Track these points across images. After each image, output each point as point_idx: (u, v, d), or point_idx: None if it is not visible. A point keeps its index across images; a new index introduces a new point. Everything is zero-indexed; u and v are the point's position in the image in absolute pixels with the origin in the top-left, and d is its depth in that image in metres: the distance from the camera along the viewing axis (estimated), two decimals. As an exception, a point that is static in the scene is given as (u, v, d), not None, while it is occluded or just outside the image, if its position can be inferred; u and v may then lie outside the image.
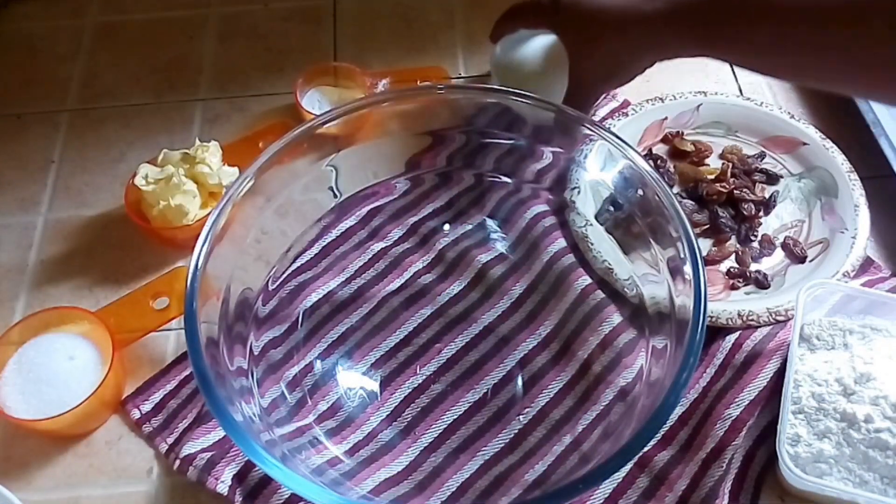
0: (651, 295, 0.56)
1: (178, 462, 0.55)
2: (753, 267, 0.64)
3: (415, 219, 0.67)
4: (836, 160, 0.67)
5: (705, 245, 0.65)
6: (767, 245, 0.65)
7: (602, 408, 0.56)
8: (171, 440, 0.57)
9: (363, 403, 0.58)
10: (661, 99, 0.71)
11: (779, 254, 0.65)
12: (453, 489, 0.55)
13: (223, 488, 0.54)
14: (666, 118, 0.71)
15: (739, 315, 0.59)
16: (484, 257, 0.64)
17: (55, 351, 0.58)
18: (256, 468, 0.54)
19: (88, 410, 0.56)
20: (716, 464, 0.54)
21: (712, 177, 0.68)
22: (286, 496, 0.54)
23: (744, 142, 0.71)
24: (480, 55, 0.80)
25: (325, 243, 0.65)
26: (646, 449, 0.54)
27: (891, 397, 0.53)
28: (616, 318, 0.59)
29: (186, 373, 0.60)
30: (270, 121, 0.75)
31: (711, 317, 0.59)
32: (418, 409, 0.58)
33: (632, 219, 0.57)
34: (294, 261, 0.63)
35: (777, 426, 0.53)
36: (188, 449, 0.55)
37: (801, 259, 0.64)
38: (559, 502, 0.45)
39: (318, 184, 0.61)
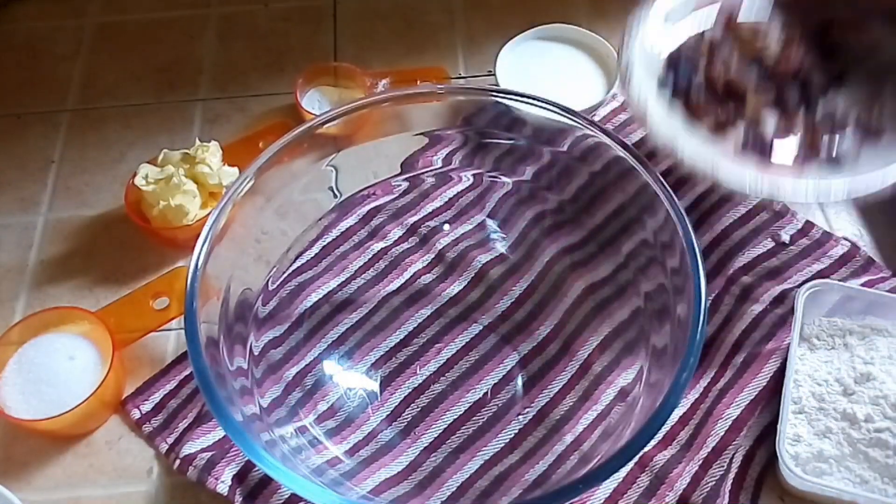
0: (648, 291, 0.56)
1: (178, 462, 0.55)
2: (826, 142, 0.60)
3: (415, 219, 0.67)
4: None
5: (772, 122, 0.62)
6: (840, 119, 0.61)
7: (602, 408, 0.56)
8: (171, 440, 0.57)
9: (363, 403, 0.58)
10: None
11: (850, 130, 0.61)
12: (453, 489, 0.55)
13: (223, 488, 0.54)
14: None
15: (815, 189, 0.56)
16: (484, 257, 0.64)
17: (55, 351, 0.58)
18: (256, 468, 0.54)
19: (88, 410, 0.56)
20: (716, 463, 0.54)
21: (777, 49, 0.64)
22: (286, 496, 0.54)
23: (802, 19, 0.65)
24: (480, 55, 0.80)
25: (325, 243, 0.65)
26: (646, 449, 0.54)
27: (891, 397, 0.53)
28: (616, 319, 0.59)
29: (186, 373, 0.60)
30: (270, 121, 0.75)
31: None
32: (418, 409, 0.58)
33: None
34: (294, 261, 0.63)
35: (777, 426, 0.53)
36: (188, 449, 0.55)
37: (877, 132, 0.60)
38: (559, 502, 0.45)
39: (318, 184, 0.61)
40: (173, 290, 0.62)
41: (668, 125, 0.59)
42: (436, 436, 0.57)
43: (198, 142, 0.67)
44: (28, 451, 0.58)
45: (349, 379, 0.59)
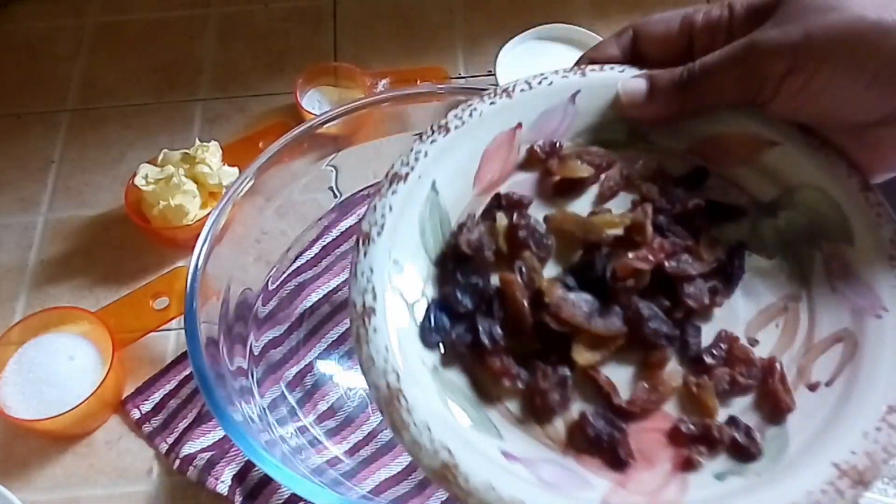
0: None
1: (178, 462, 0.55)
2: (723, 414, 0.35)
3: (415, 219, 0.66)
4: (837, 167, 0.38)
5: (623, 377, 0.36)
6: (741, 362, 0.36)
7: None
8: (171, 440, 0.57)
9: (363, 403, 0.58)
10: (505, 92, 0.41)
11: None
12: (453, 489, 0.55)
13: (223, 488, 0.54)
14: (519, 125, 0.41)
15: None
16: (484, 257, 0.64)
17: (55, 351, 0.58)
18: (256, 468, 0.54)
19: (88, 410, 0.56)
20: (716, 464, 0.54)
21: (617, 232, 0.38)
22: (286, 496, 0.54)
23: (664, 153, 0.41)
24: (480, 55, 0.80)
25: (325, 243, 0.65)
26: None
27: (891, 397, 0.53)
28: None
29: (186, 373, 0.60)
30: (270, 121, 0.75)
31: None
32: (418, 409, 0.58)
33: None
34: (294, 261, 0.63)
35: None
36: (188, 449, 0.55)
37: (811, 387, 0.35)
38: (559, 502, 0.45)
39: (318, 184, 0.61)
40: (173, 290, 0.62)
41: (442, 420, 0.33)
42: (436, 436, 0.57)
43: (198, 142, 0.67)
44: (28, 451, 0.58)
45: (349, 379, 0.59)
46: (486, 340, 0.36)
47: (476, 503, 0.31)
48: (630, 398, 0.35)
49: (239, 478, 0.55)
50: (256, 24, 0.84)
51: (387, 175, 0.39)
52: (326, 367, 0.60)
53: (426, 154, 0.39)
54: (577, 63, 0.42)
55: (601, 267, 0.37)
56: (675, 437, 0.34)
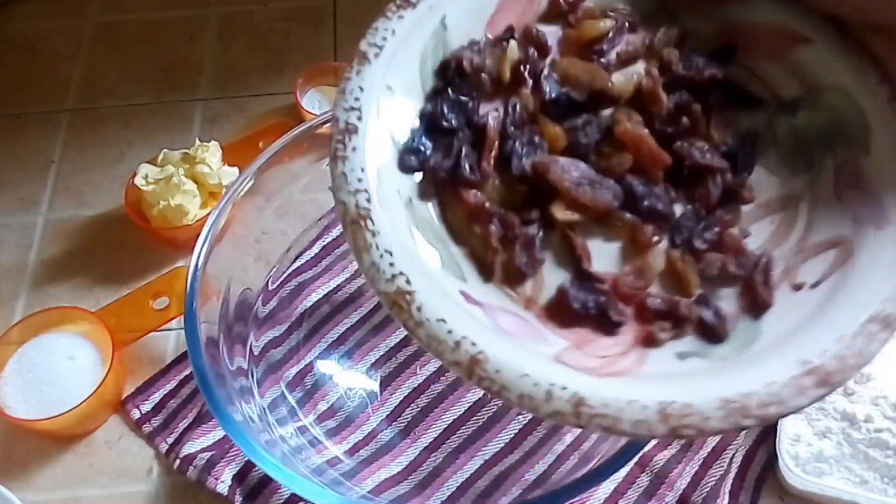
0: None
1: (178, 462, 0.55)
2: (698, 297, 0.33)
3: (415, 219, 0.66)
4: (868, 73, 0.35)
5: (607, 253, 0.34)
6: (731, 250, 0.34)
7: (602, 408, 0.56)
8: (171, 440, 0.57)
9: (363, 403, 0.58)
10: None
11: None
12: (453, 489, 0.55)
13: (223, 488, 0.54)
14: None
15: (660, 411, 0.29)
16: (484, 257, 0.64)
17: (55, 351, 0.58)
18: (256, 468, 0.54)
19: (88, 410, 0.56)
20: (716, 463, 0.54)
21: (626, 92, 0.36)
22: (286, 496, 0.54)
23: (691, 30, 0.38)
24: (480, 55, 0.79)
25: (325, 243, 0.65)
26: (646, 448, 0.54)
27: (891, 397, 0.53)
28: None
29: (186, 373, 0.60)
30: (270, 121, 0.74)
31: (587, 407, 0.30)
32: (418, 409, 0.58)
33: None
34: (294, 261, 0.63)
35: (777, 426, 0.53)
36: (188, 449, 0.55)
37: (796, 287, 0.33)
38: (559, 502, 0.45)
39: (318, 184, 0.61)
40: (173, 290, 0.62)
41: (406, 250, 0.32)
42: (436, 436, 0.57)
43: (198, 142, 0.67)
44: (28, 451, 0.58)
45: (349, 379, 0.59)
46: (465, 167, 0.34)
47: (424, 335, 0.31)
48: (614, 281, 0.33)
49: (239, 478, 0.55)
50: (256, 24, 0.84)
51: None
52: (326, 367, 0.60)
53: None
54: None
55: (602, 123, 0.35)
56: (641, 311, 0.33)
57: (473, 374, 0.30)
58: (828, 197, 0.35)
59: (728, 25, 0.37)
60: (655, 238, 0.34)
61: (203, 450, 0.56)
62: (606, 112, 0.36)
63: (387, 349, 0.61)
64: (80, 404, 0.55)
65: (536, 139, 0.35)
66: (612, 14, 0.38)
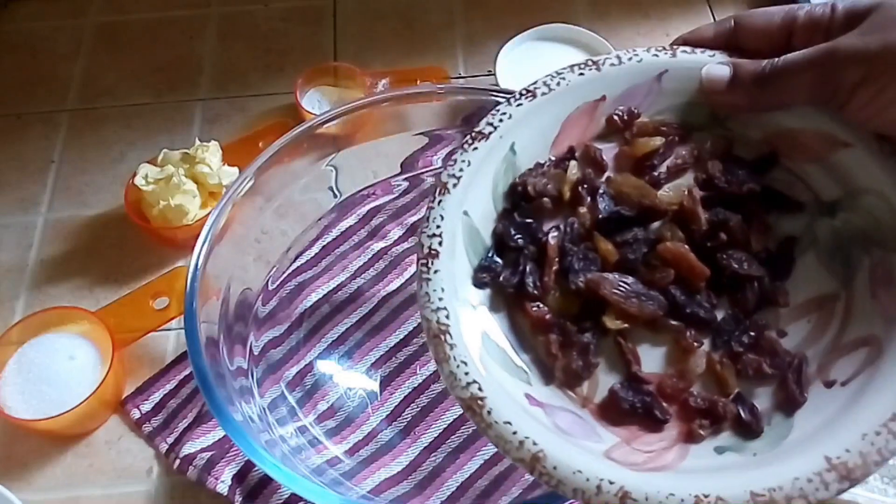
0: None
1: (178, 462, 0.55)
2: (735, 395, 0.37)
3: (414, 218, 0.67)
4: None
5: (655, 355, 0.39)
6: (766, 353, 0.38)
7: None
8: (171, 440, 0.57)
9: (363, 403, 0.58)
10: (594, 64, 0.43)
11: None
12: (453, 489, 0.55)
13: (223, 488, 0.54)
14: (603, 98, 0.43)
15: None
16: (484, 257, 0.64)
17: (55, 351, 0.58)
18: (256, 468, 0.54)
19: (88, 410, 0.56)
20: (716, 464, 0.54)
21: (672, 206, 0.40)
22: (286, 496, 0.54)
23: (739, 137, 0.42)
24: (480, 55, 0.80)
25: (325, 243, 0.65)
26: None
27: (891, 397, 0.53)
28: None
29: (186, 373, 0.60)
30: (270, 121, 0.75)
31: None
32: (418, 409, 0.58)
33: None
34: (294, 261, 0.63)
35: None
36: (188, 449, 0.55)
37: (827, 384, 0.37)
38: (559, 502, 0.45)
39: (318, 184, 0.61)
40: (173, 290, 0.62)
41: (479, 359, 0.37)
42: (436, 435, 0.57)
43: (198, 142, 0.67)
44: (28, 451, 0.58)
45: (349, 379, 0.59)
46: (529, 283, 0.39)
47: (494, 435, 0.35)
48: (659, 383, 0.38)
49: (239, 478, 0.55)
50: (256, 24, 0.84)
51: (470, 131, 0.42)
52: (326, 367, 0.60)
53: (510, 116, 0.42)
54: (672, 44, 0.43)
55: (640, 249, 0.39)
56: (684, 409, 0.37)
57: (535, 470, 0.35)
58: (862, 296, 0.38)
59: (775, 132, 0.41)
60: (696, 343, 0.39)
61: (203, 450, 0.56)
62: (655, 225, 0.41)
63: (387, 349, 0.61)
64: (80, 404, 0.55)
65: (591, 255, 0.40)
66: (664, 129, 0.42)
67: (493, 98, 0.58)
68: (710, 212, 0.40)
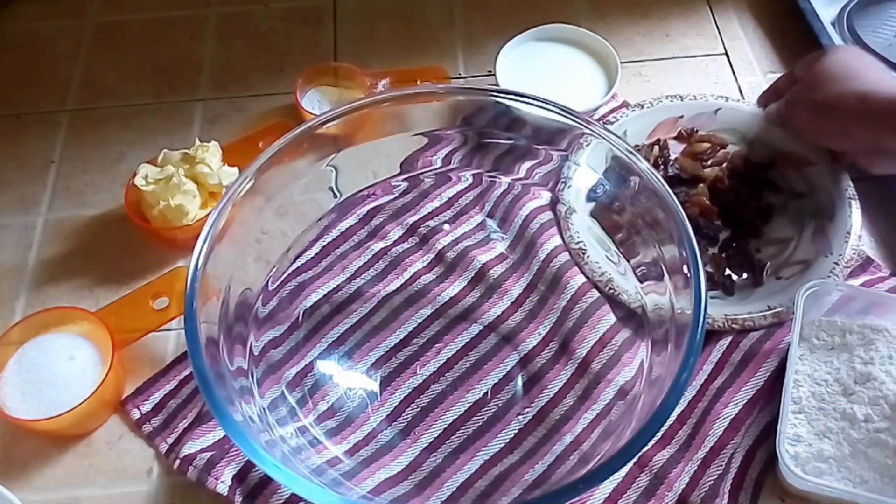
0: (648, 294, 0.56)
1: (178, 462, 0.55)
2: (725, 273, 0.64)
3: (414, 218, 0.67)
4: (841, 184, 0.64)
5: None
6: (747, 258, 0.64)
7: (602, 407, 0.57)
8: (171, 440, 0.57)
9: (363, 403, 0.58)
10: (680, 97, 0.72)
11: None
12: (453, 489, 0.55)
13: (223, 488, 0.54)
14: (682, 116, 0.71)
15: None
16: (483, 257, 0.65)
17: (55, 351, 0.58)
18: (256, 468, 0.54)
19: (88, 410, 0.56)
20: (715, 463, 0.54)
21: (710, 177, 0.68)
22: (286, 496, 0.54)
23: (756, 152, 0.69)
24: (480, 55, 0.80)
25: (325, 243, 0.65)
26: (645, 448, 0.54)
27: (890, 397, 0.53)
28: (613, 316, 0.59)
29: (186, 373, 0.60)
30: (270, 121, 0.75)
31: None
32: (418, 409, 0.58)
33: (624, 210, 0.57)
34: (294, 261, 0.63)
35: (777, 426, 0.53)
36: (188, 449, 0.55)
37: (777, 279, 0.63)
38: (559, 502, 0.45)
39: (318, 184, 0.61)
40: (173, 290, 0.62)
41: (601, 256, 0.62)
42: (436, 436, 0.57)
43: (198, 142, 0.67)
44: (28, 451, 0.58)
45: (349, 379, 0.59)
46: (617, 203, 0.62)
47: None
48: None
49: (239, 478, 0.55)
50: (256, 24, 0.84)
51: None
52: (326, 367, 0.60)
53: (628, 116, 0.71)
54: (758, 99, 0.72)
55: (682, 197, 0.67)
56: None
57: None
58: (805, 240, 0.65)
59: (775, 151, 0.69)
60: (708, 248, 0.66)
61: (203, 450, 0.56)
62: (700, 186, 0.68)
63: (387, 349, 0.61)
64: (80, 404, 0.55)
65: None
66: (713, 140, 0.70)
67: (493, 98, 0.58)
68: (731, 183, 0.67)
